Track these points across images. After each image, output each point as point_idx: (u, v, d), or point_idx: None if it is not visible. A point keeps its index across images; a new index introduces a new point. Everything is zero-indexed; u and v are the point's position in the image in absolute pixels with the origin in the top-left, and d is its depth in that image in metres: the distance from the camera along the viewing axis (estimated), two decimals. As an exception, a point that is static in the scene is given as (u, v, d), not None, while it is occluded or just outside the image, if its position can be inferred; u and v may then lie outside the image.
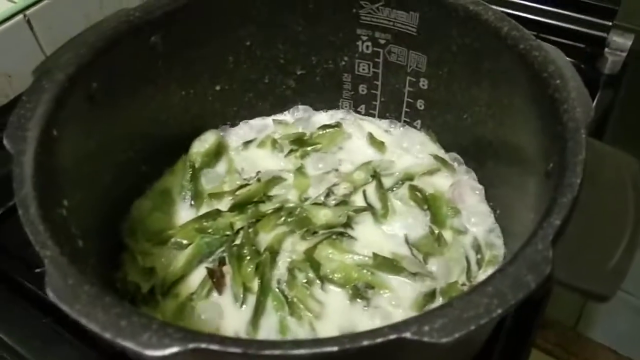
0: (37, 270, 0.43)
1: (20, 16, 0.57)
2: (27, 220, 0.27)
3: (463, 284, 0.42)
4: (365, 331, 0.23)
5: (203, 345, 0.22)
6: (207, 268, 0.42)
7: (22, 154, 0.30)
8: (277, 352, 0.22)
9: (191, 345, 0.22)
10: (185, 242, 0.44)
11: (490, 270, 0.43)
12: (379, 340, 0.22)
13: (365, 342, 0.22)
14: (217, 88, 0.51)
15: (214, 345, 0.22)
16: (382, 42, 0.49)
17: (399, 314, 0.41)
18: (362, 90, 0.54)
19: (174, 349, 0.22)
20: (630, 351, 0.95)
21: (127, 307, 0.23)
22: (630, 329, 0.92)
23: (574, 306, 0.95)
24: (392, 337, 0.22)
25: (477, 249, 0.45)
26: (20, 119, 0.32)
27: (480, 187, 0.48)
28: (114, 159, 0.43)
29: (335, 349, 0.22)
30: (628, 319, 0.90)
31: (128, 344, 0.22)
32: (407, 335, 0.22)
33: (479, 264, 0.44)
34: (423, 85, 0.50)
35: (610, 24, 0.61)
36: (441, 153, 0.51)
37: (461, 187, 0.48)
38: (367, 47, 0.50)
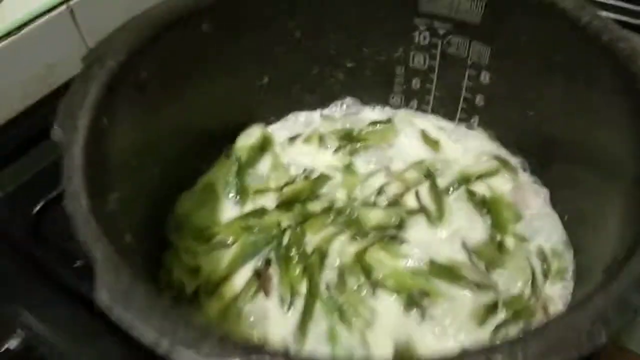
0: (76, 264, 0.42)
1: (64, 6, 0.57)
2: (77, 215, 0.25)
3: (528, 297, 0.39)
4: (453, 354, 0.20)
5: (267, 358, 0.20)
6: (255, 270, 0.40)
7: (73, 143, 0.28)
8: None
9: (254, 358, 0.20)
10: (230, 240, 0.42)
11: (557, 283, 0.40)
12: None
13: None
14: (265, 80, 0.49)
15: (279, 358, 0.20)
16: (442, 32, 0.46)
17: (457, 327, 0.38)
18: (416, 85, 0.51)
19: (235, 362, 0.20)
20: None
21: (184, 312, 0.21)
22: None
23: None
24: (482, 361, 0.19)
25: (543, 257, 0.41)
26: (70, 107, 0.30)
27: (545, 190, 0.45)
28: (161, 152, 0.41)
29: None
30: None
31: (188, 353, 0.20)
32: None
33: (545, 274, 0.40)
34: (484, 79, 0.46)
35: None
36: (502, 153, 0.48)
37: (524, 190, 0.45)
38: (424, 37, 0.47)
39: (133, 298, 0.21)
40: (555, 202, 0.44)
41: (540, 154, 0.45)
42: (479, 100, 0.48)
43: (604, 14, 0.36)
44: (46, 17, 0.55)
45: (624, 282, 0.22)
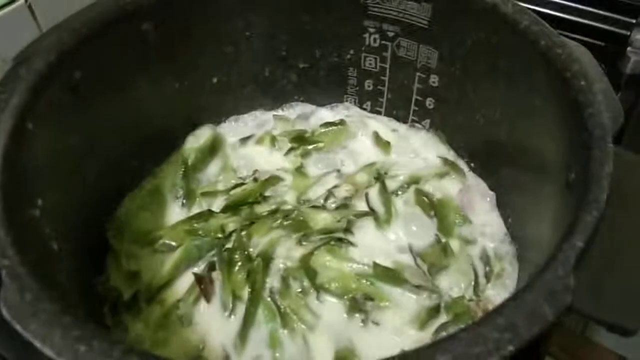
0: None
1: (22, 1, 0.55)
2: (-14, 224, 0.24)
3: (470, 299, 0.39)
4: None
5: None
6: (194, 274, 0.40)
7: (-11, 149, 0.27)
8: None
9: (157, 378, 0.19)
10: (174, 244, 0.42)
11: (498, 285, 0.40)
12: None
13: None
14: (214, 80, 0.48)
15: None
16: (391, 34, 0.46)
17: (399, 330, 0.38)
18: (368, 86, 0.51)
19: (136, 382, 0.19)
20: (639, 356, 0.92)
21: (89, 330, 0.21)
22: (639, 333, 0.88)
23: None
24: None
25: (486, 260, 0.41)
26: (-10, 111, 0.29)
27: (492, 193, 0.45)
28: (100, 155, 0.40)
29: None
30: None
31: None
32: (405, 373, 0.20)
33: (487, 277, 0.41)
34: (433, 82, 0.46)
35: (634, 21, 0.57)
36: (450, 155, 0.48)
37: (471, 193, 0.45)
38: (375, 40, 0.47)
39: (35, 315, 0.21)
40: (501, 205, 0.44)
41: (487, 158, 0.46)
42: (429, 103, 0.48)
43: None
44: (4, 10, 0.54)
45: (534, 293, 0.22)
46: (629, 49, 0.57)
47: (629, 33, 0.57)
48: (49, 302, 0.21)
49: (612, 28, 0.58)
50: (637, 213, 0.28)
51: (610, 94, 0.31)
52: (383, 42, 0.46)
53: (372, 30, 0.46)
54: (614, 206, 0.26)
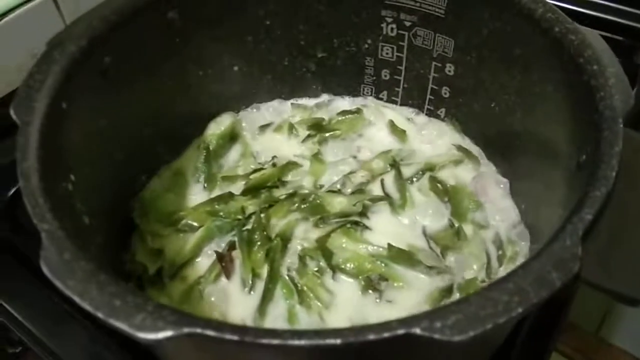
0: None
1: (47, -6, 0.57)
2: (27, 192, 0.26)
3: (482, 281, 0.40)
4: (372, 324, 0.21)
5: (198, 330, 0.21)
6: (216, 252, 0.41)
7: (28, 124, 0.29)
8: (275, 341, 0.20)
9: (186, 330, 0.21)
10: (196, 224, 0.43)
11: (510, 267, 0.41)
12: (386, 334, 0.20)
13: (371, 337, 0.20)
14: (235, 69, 0.50)
15: (210, 330, 0.21)
16: (408, 24, 0.47)
17: (413, 309, 0.39)
18: (385, 76, 0.52)
19: (168, 333, 0.20)
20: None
21: (123, 287, 0.22)
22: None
23: (597, 310, 0.91)
24: (401, 332, 0.21)
25: (499, 244, 0.42)
26: (28, 90, 0.31)
27: (505, 180, 0.46)
28: (127, 137, 0.42)
29: (337, 341, 0.20)
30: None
31: (120, 325, 0.21)
32: (417, 331, 0.21)
33: (500, 260, 0.41)
34: (449, 71, 0.47)
35: (651, 14, 0.57)
36: (465, 143, 0.49)
37: (484, 180, 0.46)
38: (392, 29, 0.48)
39: (73, 272, 0.22)
40: (514, 192, 0.45)
41: (501, 145, 0.46)
42: (445, 92, 0.49)
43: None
44: (29, 4, 0.56)
45: (543, 260, 0.23)
46: (645, 42, 0.57)
47: (645, 27, 0.57)
48: (85, 262, 0.23)
49: (629, 22, 0.58)
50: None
51: (622, 77, 0.31)
52: (400, 31, 0.47)
53: (389, 19, 0.47)
54: (623, 185, 0.27)
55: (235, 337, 0.20)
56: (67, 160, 0.32)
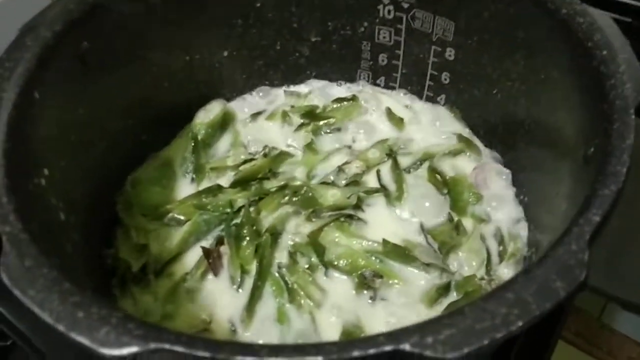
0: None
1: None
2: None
3: (481, 278, 0.38)
4: (357, 339, 0.19)
5: (167, 346, 0.19)
6: (202, 248, 0.39)
7: (-6, 117, 0.27)
8: (250, 358, 0.18)
9: (153, 345, 0.19)
10: (182, 218, 0.41)
11: (512, 264, 0.39)
12: (372, 351, 0.19)
13: (356, 353, 0.19)
14: (225, 54, 0.48)
15: (179, 347, 0.19)
16: (406, 6, 0.44)
17: (408, 308, 0.37)
18: (382, 61, 0.49)
19: (132, 349, 0.19)
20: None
21: (87, 297, 0.21)
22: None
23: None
24: (388, 348, 0.19)
25: (500, 239, 0.40)
26: (-4, 80, 0.29)
27: (507, 171, 0.44)
28: (109, 127, 0.40)
29: (319, 359, 0.18)
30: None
31: (82, 340, 0.19)
32: (407, 347, 0.19)
33: (501, 256, 0.40)
34: (449, 55, 0.45)
35: (663, -5, 0.54)
36: (466, 132, 0.47)
37: (486, 171, 0.44)
38: (389, 11, 0.45)
39: (34, 281, 0.21)
40: (517, 184, 0.43)
41: (504, 134, 0.44)
42: (445, 77, 0.47)
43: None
44: None
45: (546, 267, 0.21)
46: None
47: (657, 7, 0.54)
48: (48, 269, 0.21)
49: (637, 3, 0.55)
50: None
51: (634, 63, 0.29)
52: (397, 13, 0.45)
53: (386, 1, 0.45)
54: (634, 181, 0.25)
55: (207, 354, 0.19)
56: (40, 153, 0.30)
